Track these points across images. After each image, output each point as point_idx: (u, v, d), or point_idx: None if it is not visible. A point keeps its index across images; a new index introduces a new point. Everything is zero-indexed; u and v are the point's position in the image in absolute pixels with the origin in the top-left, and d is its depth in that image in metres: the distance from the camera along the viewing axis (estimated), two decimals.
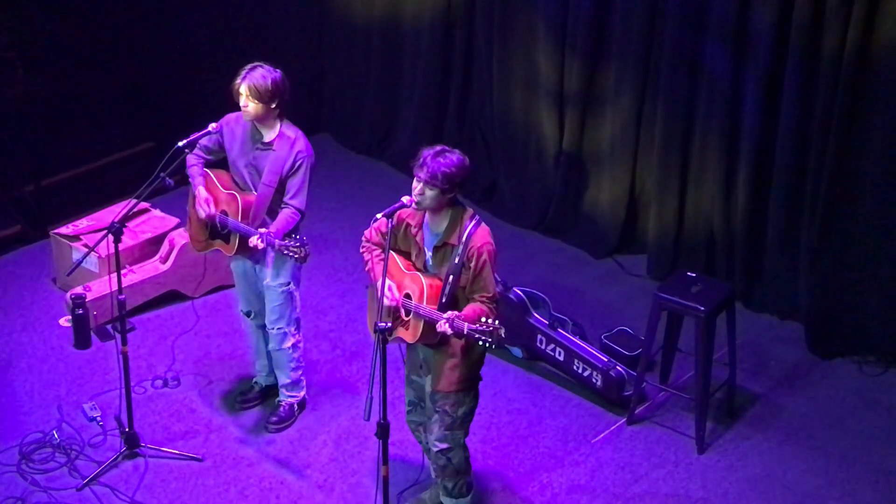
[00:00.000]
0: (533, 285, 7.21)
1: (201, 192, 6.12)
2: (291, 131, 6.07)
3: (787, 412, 6.73)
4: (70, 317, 7.17)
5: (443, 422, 5.50)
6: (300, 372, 6.52)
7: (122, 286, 6.02)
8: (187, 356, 7.10)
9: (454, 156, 5.23)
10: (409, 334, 5.36)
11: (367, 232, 5.53)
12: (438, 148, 5.23)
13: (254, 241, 5.89)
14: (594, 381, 6.74)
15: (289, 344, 6.36)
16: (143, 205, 7.62)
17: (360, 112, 9.34)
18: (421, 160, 5.20)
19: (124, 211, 5.96)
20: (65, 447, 6.32)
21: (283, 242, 5.80)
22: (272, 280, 6.22)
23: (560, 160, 8.22)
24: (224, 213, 6.12)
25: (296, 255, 5.76)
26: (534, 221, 8.40)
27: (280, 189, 6.06)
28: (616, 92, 7.84)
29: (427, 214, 5.35)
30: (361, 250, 5.57)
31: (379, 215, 5.26)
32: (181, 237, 7.42)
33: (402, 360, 5.64)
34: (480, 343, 5.04)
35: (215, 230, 6.17)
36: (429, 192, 5.21)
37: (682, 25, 7.38)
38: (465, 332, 5.07)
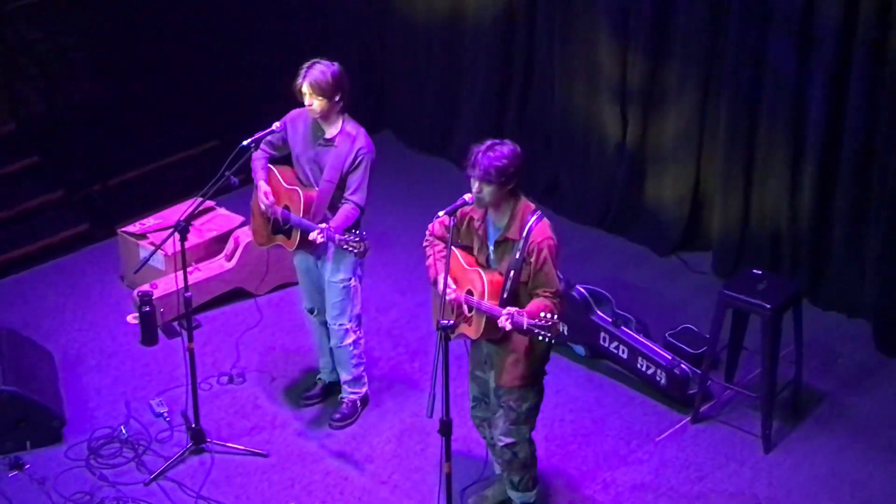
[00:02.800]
0: (596, 283, 7.18)
1: (262, 184, 6.17)
2: (353, 128, 6.10)
3: (854, 411, 6.64)
4: (137, 314, 7.25)
5: (507, 417, 5.50)
6: (362, 368, 6.55)
7: (188, 284, 6.08)
8: (252, 353, 7.15)
9: (505, 147, 5.21)
10: (471, 330, 5.36)
11: (430, 225, 5.54)
12: (488, 143, 5.23)
13: (314, 235, 5.93)
14: (658, 379, 6.70)
15: (349, 340, 6.39)
16: (209, 203, 7.72)
17: (421, 109, 9.35)
18: (472, 158, 5.19)
19: (190, 209, 6.02)
20: (132, 442, 6.40)
21: (342, 237, 5.83)
22: (332, 275, 6.24)
23: (623, 156, 8.17)
24: (286, 208, 6.16)
25: (355, 250, 5.78)
26: (596, 218, 8.36)
27: (341, 185, 6.09)
28: (679, 88, 7.78)
29: (489, 209, 5.35)
30: (424, 244, 5.58)
31: (441, 213, 5.27)
32: (246, 235, 7.48)
33: (467, 354, 5.65)
34: (540, 339, 5.03)
35: (277, 225, 6.22)
36: (486, 189, 5.21)
37: (747, 20, 7.30)
38: (525, 328, 5.06)
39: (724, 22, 7.47)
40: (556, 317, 5.02)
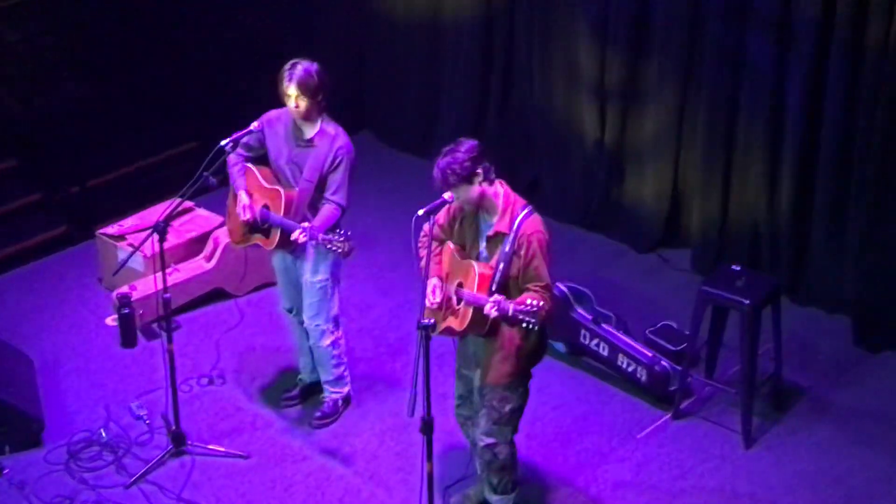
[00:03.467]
0: (576, 280, 7.18)
1: (243, 197, 6.15)
2: (332, 128, 6.09)
3: (835, 406, 6.66)
4: (116, 316, 7.22)
5: (490, 416, 5.49)
6: (342, 368, 6.53)
7: (168, 285, 6.06)
8: (232, 354, 7.13)
9: (459, 146, 5.23)
10: (458, 323, 5.36)
11: (426, 226, 5.54)
12: (444, 152, 5.25)
13: (296, 234, 5.91)
14: (639, 376, 6.71)
15: (328, 341, 6.37)
16: (187, 204, 7.69)
17: (401, 109, 9.35)
18: (435, 174, 5.23)
19: (169, 210, 5.99)
20: (112, 445, 6.38)
21: (326, 236, 5.82)
22: (311, 275, 6.23)
23: (602, 154, 8.19)
24: (266, 207, 6.14)
25: (339, 249, 5.76)
26: (576, 216, 8.37)
27: (320, 186, 6.07)
28: (658, 86, 7.79)
29: (479, 209, 5.36)
30: (419, 244, 5.56)
31: (421, 212, 5.26)
32: (225, 236, 7.43)
33: (456, 350, 5.64)
34: (524, 325, 5.04)
35: (255, 224, 6.20)
36: (458, 192, 5.23)
37: (725, 18, 7.32)
38: (511, 314, 5.06)
39: (703, 20, 7.48)
40: (542, 304, 5.03)
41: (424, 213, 5.27)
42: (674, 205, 8.01)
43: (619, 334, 6.84)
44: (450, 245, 5.48)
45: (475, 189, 5.23)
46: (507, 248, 5.26)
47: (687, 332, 6.73)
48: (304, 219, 6.06)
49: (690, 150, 7.80)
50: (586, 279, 7.38)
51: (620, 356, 6.77)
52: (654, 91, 7.83)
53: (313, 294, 6.26)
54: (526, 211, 5.32)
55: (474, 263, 5.34)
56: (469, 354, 5.58)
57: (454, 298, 5.39)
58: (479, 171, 5.22)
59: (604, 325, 6.88)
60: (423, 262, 5.46)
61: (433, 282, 5.39)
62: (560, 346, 7.05)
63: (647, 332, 7.03)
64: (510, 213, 5.30)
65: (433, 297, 5.36)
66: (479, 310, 5.23)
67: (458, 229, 5.49)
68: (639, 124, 8.00)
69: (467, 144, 5.24)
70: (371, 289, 7.70)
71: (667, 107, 7.78)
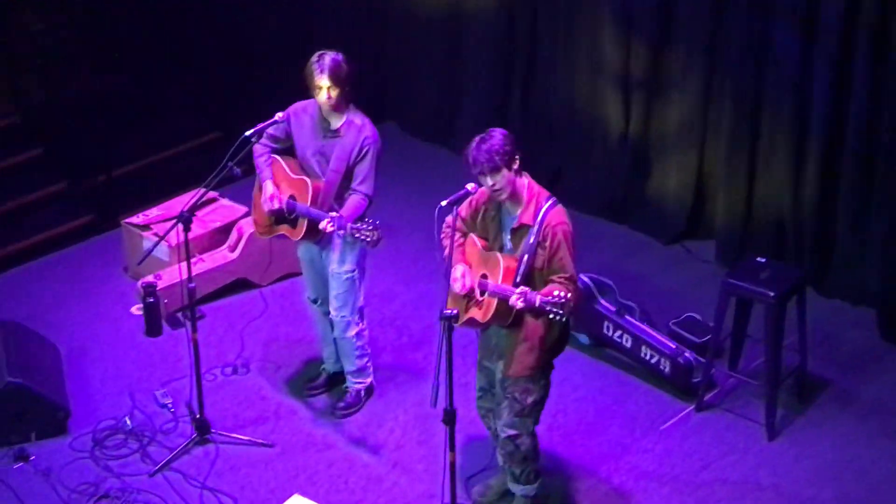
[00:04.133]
0: (599, 271, 7.18)
1: (269, 187, 6.16)
2: (358, 118, 6.09)
3: (859, 399, 6.63)
4: (141, 305, 7.25)
5: (512, 408, 5.49)
6: (366, 359, 6.55)
7: (192, 274, 6.08)
8: (256, 343, 7.15)
9: (495, 133, 5.25)
10: (481, 314, 5.37)
11: (449, 218, 5.54)
12: (476, 140, 5.26)
13: (324, 224, 5.92)
14: (662, 367, 6.70)
15: (353, 333, 6.39)
16: (212, 194, 7.66)
17: (423, 100, 9.34)
18: (471, 160, 5.22)
19: (193, 200, 6.01)
20: (137, 434, 6.41)
21: (354, 226, 5.83)
22: (337, 266, 6.24)
23: (626, 145, 8.17)
24: (292, 197, 6.15)
25: (368, 238, 5.77)
26: (599, 207, 8.35)
27: (347, 176, 6.09)
28: (683, 76, 7.77)
29: (504, 201, 5.37)
30: (442, 235, 5.56)
31: (444, 202, 5.27)
32: (249, 226, 7.47)
33: (478, 342, 5.65)
34: (551, 316, 5.05)
35: (280, 216, 6.22)
36: (498, 178, 5.22)
37: (751, 9, 7.28)
38: (538, 306, 5.07)
39: (728, 10, 7.44)
40: (568, 295, 5.03)
41: (448, 203, 5.28)
42: (698, 196, 7.99)
43: (642, 326, 6.84)
44: (473, 237, 5.49)
45: (510, 177, 5.24)
46: (531, 240, 5.26)
47: (711, 324, 6.72)
48: (332, 209, 6.07)
49: (715, 141, 7.77)
50: (610, 270, 7.38)
51: (644, 348, 6.76)
52: (678, 81, 7.81)
53: (340, 285, 6.28)
54: (550, 202, 5.33)
55: (499, 255, 5.34)
56: (491, 346, 5.59)
57: (478, 290, 5.40)
58: (517, 155, 5.25)
59: (627, 317, 6.88)
60: (446, 251, 5.47)
61: (460, 268, 5.40)
62: (583, 338, 7.05)
63: (670, 323, 7.02)
64: (534, 204, 5.31)
65: (463, 280, 5.36)
66: (503, 301, 5.24)
67: (480, 222, 5.49)
68: (663, 115, 7.97)
69: (501, 132, 5.26)
70: (394, 279, 7.71)
71: (691, 97, 7.76)
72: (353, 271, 6.26)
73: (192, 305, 6.09)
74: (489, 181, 5.23)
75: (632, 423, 6.50)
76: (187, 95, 8.79)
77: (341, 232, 5.93)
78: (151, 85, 8.65)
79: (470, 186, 5.33)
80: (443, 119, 9.27)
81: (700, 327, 6.96)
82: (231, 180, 6.00)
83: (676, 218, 8.05)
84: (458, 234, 5.49)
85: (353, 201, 6.07)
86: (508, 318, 5.33)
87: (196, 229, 7.47)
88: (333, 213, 5.95)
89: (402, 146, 9.21)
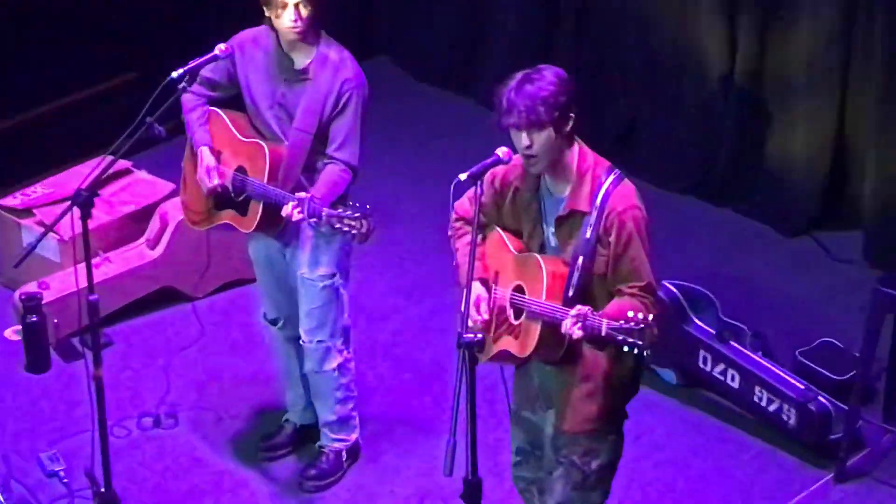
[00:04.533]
0: (691, 277, 7.17)
1: (205, 155, 6.16)
2: (334, 52, 6.08)
3: None
4: (19, 327, 7.24)
5: (570, 479, 5.46)
6: (350, 405, 6.55)
7: (94, 282, 6.05)
8: (187, 383, 7.16)
9: (546, 72, 5.18)
10: (517, 345, 5.32)
11: (457, 204, 5.49)
12: (518, 76, 5.20)
13: (289, 209, 5.90)
14: (785, 418, 6.69)
15: (333, 365, 6.39)
16: (123, 164, 7.67)
17: (433, 26, 9.37)
18: (505, 104, 5.16)
19: (96, 173, 5.99)
20: None
21: (333, 212, 5.80)
22: (309, 270, 6.23)
23: (730, 94, 8.19)
24: (241, 170, 6.15)
25: (353, 230, 5.75)
26: (690, 182, 8.40)
27: (320, 137, 6.08)
28: None
29: (545, 172, 5.32)
30: (450, 233, 5.53)
31: (462, 176, 5.23)
32: (178, 211, 7.43)
33: (504, 385, 5.62)
34: (626, 348, 5.00)
35: (224, 196, 6.22)
36: (539, 138, 5.17)
37: None
38: (604, 333, 5.02)
39: None
40: (650, 316, 4.99)
41: (469, 176, 5.23)
42: (836, 166, 8.01)
43: (755, 357, 6.83)
44: (498, 232, 5.45)
45: (557, 140, 5.20)
46: (587, 234, 5.21)
47: (857, 354, 6.69)
48: (299, 186, 6.06)
49: (862, 87, 7.78)
50: (705, 275, 7.37)
51: (758, 389, 6.76)
52: (808, 1, 7.80)
53: (314, 297, 6.27)
54: (613, 177, 5.27)
55: (539, 258, 5.30)
56: (532, 389, 5.55)
57: (510, 310, 5.37)
58: (573, 111, 5.19)
59: (733, 344, 6.87)
60: (458, 258, 5.44)
61: (477, 289, 5.37)
62: (668, 375, 7.05)
63: (797, 353, 7.00)
64: (590, 181, 5.25)
65: (478, 314, 5.34)
66: (551, 327, 5.20)
67: (509, 208, 5.44)
68: (785, 50, 7.97)
69: (556, 72, 5.20)
70: (390, 288, 7.72)
71: (828, 23, 7.77)
72: (334, 276, 6.26)
73: (95, 327, 6.07)
74: (524, 140, 5.18)
75: (741, 499, 6.49)
76: (89, 21, 8.78)
77: (314, 221, 5.91)
78: (37, 7, 8.63)
79: (502, 152, 5.28)
80: (461, 53, 9.28)
81: (840, 358, 6.94)
82: (151, 143, 5.98)
83: (805, 199, 8.07)
84: (466, 231, 5.44)
85: (330, 175, 6.06)
86: (559, 350, 5.29)
87: (100, 216, 7.46)
88: (301, 194, 5.93)
89: (400, 93, 9.18)
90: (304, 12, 5.92)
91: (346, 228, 5.75)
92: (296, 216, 5.89)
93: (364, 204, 5.74)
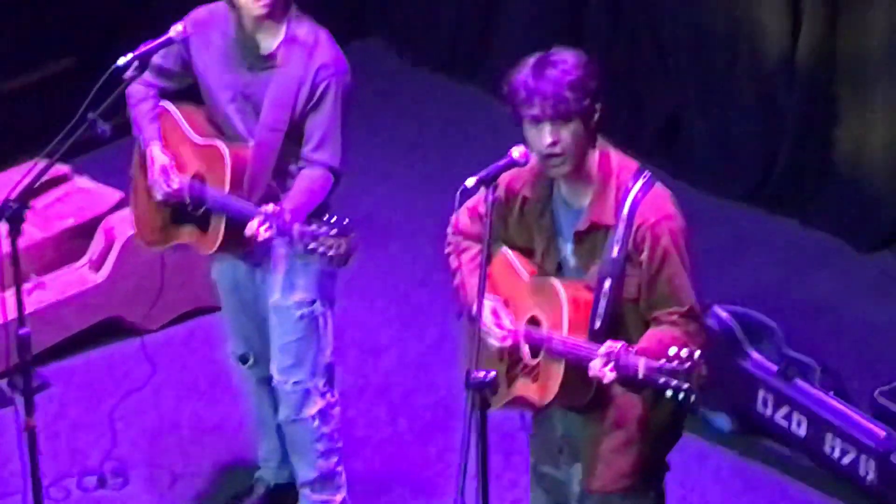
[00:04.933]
0: (748, 301, 7.17)
1: (156, 152, 6.17)
2: (307, 32, 6.07)
3: None
4: None
5: None
6: (334, 460, 6.54)
7: (26, 312, 6.06)
8: (138, 434, 7.16)
9: (566, 55, 5.18)
10: (536, 390, 5.31)
11: (454, 217, 5.48)
12: (534, 59, 5.21)
13: (254, 227, 5.90)
14: (862, 471, 6.69)
15: (313, 410, 6.38)
16: (60, 169, 7.68)
17: (435, 5, 9.45)
18: (524, 92, 5.16)
19: (27, 181, 6.00)
20: None
21: (306, 229, 5.79)
22: (284, 296, 6.24)
23: (793, 80, 8.22)
24: (199, 178, 6.16)
25: (330, 251, 5.75)
26: (747, 187, 8.43)
27: (293, 135, 6.10)
28: None
29: (562, 178, 5.32)
30: (447, 250, 5.54)
31: (470, 181, 5.23)
32: (126, 226, 7.44)
33: (527, 435, 5.63)
34: (670, 394, 4.99)
35: (182, 210, 6.23)
36: (565, 131, 5.17)
37: None
38: (642, 377, 5.01)
39: None
40: (697, 354, 4.97)
41: (478, 181, 5.23)
42: None
43: (826, 398, 6.83)
44: (505, 252, 5.44)
45: (583, 136, 5.20)
46: (614, 252, 5.19)
47: None
48: (270, 195, 6.07)
49: None
50: (765, 299, 7.40)
51: (829, 437, 6.76)
52: None
53: (288, 328, 6.27)
54: (642, 181, 5.25)
55: (556, 282, 5.29)
56: (555, 440, 5.56)
57: (525, 348, 5.36)
58: (601, 102, 5.19)
59: (799, 382, 6.87)
60: (458, 279, 5.45)
61: (489, 303, 5.36)
62: (721, 420, 7.06)
63: (875, 393, 6.98)
64: (614, 187, 5.24)
65: (497, 329, 5.32)
66: (577, 368, 5.20)
67: (516, 222, 5.43)
68: (859, 29, 8.02)
69: (574, 52, 5.20)
70: (383, 319, 7.76)
71: None
72: (313, 304, 6.26)
73: (27, 366, 6.07)
74: (547, 135, 5.18)
75: None
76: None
77: (285, 239, 5.91)
78: None
79: (518, 152, 5.28)
80: (466, 35, 9.36)
81: None
82: (94, 144, 5.98)
83: (884, 207, 8.09)
84: (474, 249, 5.44)
85: (307, 181, 6.07)
86: (586, 395, 5.28)
87: (32, 231, 7.49)
88: (269, 207, 5.93)
89: (398, 80, 9.25)
90: None
91: (322, 249, 5.74)
92: (262, 234, 5.86)
93: (342, 218, 5.73)
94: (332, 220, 5.72)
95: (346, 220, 5.71)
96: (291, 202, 5.99)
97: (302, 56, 6.04)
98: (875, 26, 7.96)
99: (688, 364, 4.91)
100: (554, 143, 5.15)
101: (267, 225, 5.85)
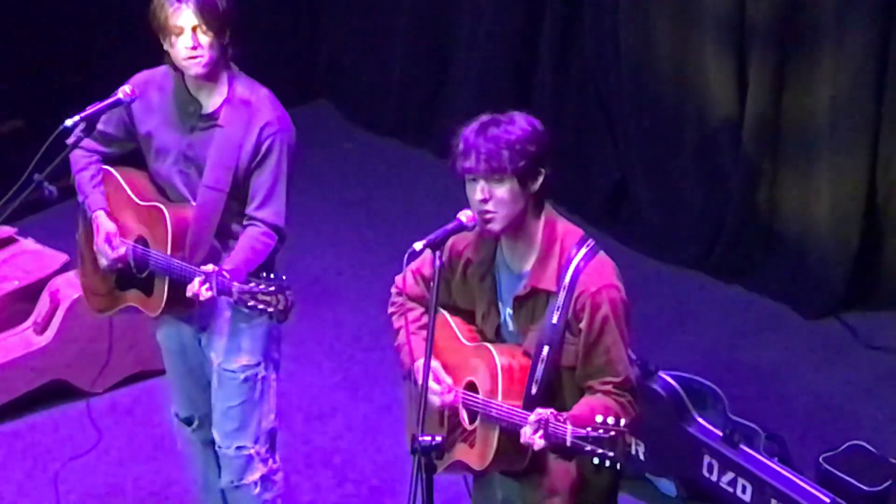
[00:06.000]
0: (692, 367, 7.15)
1: (102, 219, 6.14)
2: (249, 91, 6.04)
3: None
4: None
5: None
6: None
7: None
8: (82, 498, 7.11)
9: (518, 119, 5.19)
10: (474, 455, 5.31)
11: (399, 279, 5.47)
12: (483, 119, 5.23)
13: (195, 287, 5.88)
14: None
15: (255, 476, 6.32)
16: (6, 230, 7.66)
17: (384, 65, 9.45)
18: (462, 145, 5.18)
19: None
20: None
21: (244, 287, 5.77)
22: (227, 359, 6.20)
23: (740, 146, 8.23)
24: (142, 240, 6.13)
25: (269, 309, 5.73)
26: (693, 254, 8.44)
27: (238, 194, 6.06)
28: (838, 20, 7.82)
29: (502, 240, 5.33)
30: (391, 310, 5.54)
31: (418, 245, 5.24)
32: (71, 287, 7.45)
33: (469, 497, 5.61)
34: (595, 461, 4.99)
35: (127, 274, 6.21)
36: (498, 192, 5.18)
37: None
38: (570, 444, 5.02)
39: None
40: (623, 423, 4.97)
41: (426, 245, 5.23)
42: (869, 231, 8.06)
43: (771, 464, 6.82)
44: (445, 316, 5.45)
45: (521, 198, 5.21)
46: (553, 319, 5.19)
47: (893, 460, 6.72)
48: (212, 256, 6.04)
49: None
50: (710, 364, 7.39)
51: (774, 503, 6.73)
52: (831, 30, 7.86)
53: (231, 392, 6.23)
54: (585, 249, 5.25)
55: (492, 349, 5.29)
56: (495, 503, 5.59)
57: (463, 413, 5.36)
58: (544, 169, 5.20)
59: (744, 448, 6.86)
60: (400, 339, 5.43)
61: (436, 365, 5.36)
62: (667, 487, 7.05)
63: (820, 458, 6.98)
64: (557, 254, 5.25)
65: (439, 387, 5.32)
66: (511, 434, 5.20)
67: (459, 284, 5.43)
68: (805, 90, 8.03)
69: (527, 118, 5.20)
70: (328, 382, 7.73)
71: (855, 57, 7.81)
72: (256, 366, 6.22)
73: None
74: (480, 191, 5.19)
75: None
76: None
77: (227, 299, 5.88)
78: None
79: (465, 216, 5.28)
80: (416, 98, 9.36)
81: (874, 466, 6.90)
82: (40, 206, 5.96)
83: (830, 273, 8.10)
84: (418, 310, 5.44)
85: (249, 240, 6.03)
86: (522, 461, 5.28)
87: None
88: (208, 267, 5.91)
89: (345, 142, 9.26)
90: (205, 39, 5.90)
91: (262, 306, 5.74)
92: (204, 294, 5.84)
93: (280, 275, 5.73)
94: (271, 277, 5.73)
95: (283, 277, 5.73)
96: (232, 261, 5.97)
97: (244, 115, 6.02)
98: (820, 95, 7.98)
99: (612, 432, 4.92)
100: (485, 201, 5.18)
101: (207, 285, 5.84)
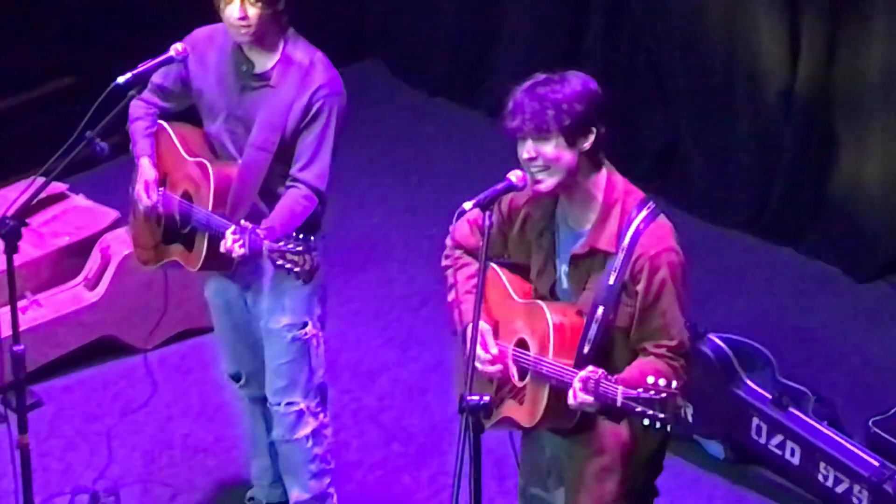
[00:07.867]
0: (743, 330, 7.14)
1: (145, 166, 6.16)
2: (302, 53, 6.06)
3: None
4: None
5: None
6: (327, 481, 6.53)
7: (20, 330, 6.04)
8: (133, 453, 7.15)
9: (571, 78, 5.18)
10: (523, 412, 5.30)
11: (453, 229, 5.46)
12: (536, 78, 5.20)
13: (228, 243, 5.86)
14: (856, 500, 6.67)
15: (306, 431, 6.37)
16: (57, 186, 7.67)
17: (434, 24, 9.46)
18: (511, 105, 5.16)
19: (24, 198, 5.99)
20: None
21: (275, 245, 5.77)
22: (273, 319, 6.22)
23: (792, 109, 8.22)
24: (187, 195, 6.16)
25: (296, 269, 5.73)
26: (743, 216, 8.44)
27: (284, 155, 6.07)
28: None
29: (560, 198, 5.31)
30: (445, 262, 5.53)
31: (467, 205, 5.23)
32: (122, 244, 7.47)
33: (515, 457, 5.61)
34: (646, 422, 4.97)
35: (173, 229, 6.23)
36: (544, 151, 5.17)
37: None
38: (620, 405, 5.00)
39: None
40: (676, 386, 4.96)
41: (475, 205, 5.23)
42: None
43: (820, 427, 6.81)
44: (497, 271, 5.46)
45: (573, 157, 5.19)
46: (610, 280, 5.18)
47: None
48: (254, 215, 6.02)
49: None
50: (760, 327, 7.39)
51: (823, 466, 6.74)
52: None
53: (282, 351, 6.25)
54: (646, 212, 5.24)
55: (544, 307, 5.28)
56: (542, 462, 5.55)
57: (513, 369, 5.35)
58: (596, 127, 5.17)
59: (793, 411, 6.85)
60: (452, 295, 5.44)
61: (484, 327, 5.35)
62: (714, 448, 7.05)
63: (870, 422, 6.96)
64: (617, 215, 5.23)
65: (486, 354, 5.31)
66: (561, 393, 5.19)
67: (516, 238, 5.42)
68: (858, 56, 8.01)
69: (582, 77, 5.18)
70: (377, 339, 7.75)
71: None
72: (305, 325, 6.25)
73: (20, 384, 6.05)
74: (527, 149, 5.17)
75: None
76: (14, 13, 8.80)
77: (259, 256, 5.87)
78: None
79: (515, 176, 5.27)
80: (465, 59, 9.38)
81: None
82: (92, 163, 5.98)
83: (880, 236, 8.11)
84: (472, 265, 5.41)
85: (289, 201, 6.04)
86: (571, 419, 5.28)
87: (28, 249, 7.47)
88: (243, 223, 5.93)
89: (396, 103, 9.25)
90: (253, 11, 5.89)
91: (288, 265, 5.74)
92: (237, 251, 5.83)
93: (308, 236, 5.73)
94: (300, 237, 5.72)
95: (313, 238, 5.72)
96: (270, 220, 5.97)
97: (297, 77, 6.02)
98: (872, 59, 7.96)
99: (664, 394, 4.90)
100: (532, 160, 5.16)
101: (241, 241, 5.84)
